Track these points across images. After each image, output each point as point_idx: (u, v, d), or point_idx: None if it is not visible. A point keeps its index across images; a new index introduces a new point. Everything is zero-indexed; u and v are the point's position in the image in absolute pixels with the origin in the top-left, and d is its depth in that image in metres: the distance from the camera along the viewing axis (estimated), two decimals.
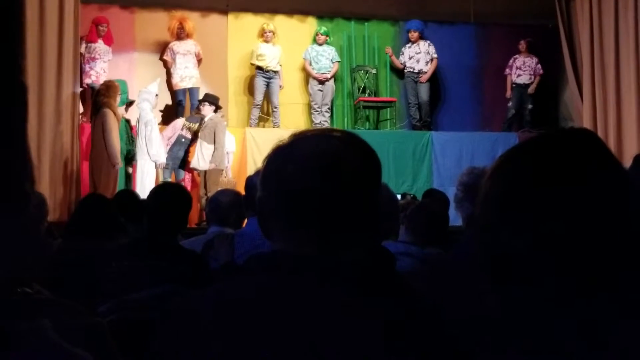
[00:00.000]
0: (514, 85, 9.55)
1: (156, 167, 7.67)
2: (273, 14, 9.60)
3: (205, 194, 7.48)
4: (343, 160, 1.12)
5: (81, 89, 8.14)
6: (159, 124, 8.15)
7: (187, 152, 8.17)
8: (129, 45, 9.21)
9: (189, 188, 7.63)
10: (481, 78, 10.23)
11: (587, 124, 8.66)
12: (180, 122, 8.31)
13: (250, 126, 8.95)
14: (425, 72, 9.47)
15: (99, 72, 8.43)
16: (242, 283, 1.10)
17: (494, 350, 1.00)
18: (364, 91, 9.59)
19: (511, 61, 9.63)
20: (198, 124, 8.07)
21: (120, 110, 7.73)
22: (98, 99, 7.38)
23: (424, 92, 9.44)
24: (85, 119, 8.17)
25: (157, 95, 8.01)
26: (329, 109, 9.35)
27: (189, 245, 3.32)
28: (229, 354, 1.02)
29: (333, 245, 1.10)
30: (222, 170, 7.95)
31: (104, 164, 7.23)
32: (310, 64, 9.31)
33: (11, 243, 0.68)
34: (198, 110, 8.21)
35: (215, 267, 2.88)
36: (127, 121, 8.06)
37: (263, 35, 9.14)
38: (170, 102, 9.12)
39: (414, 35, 9.55)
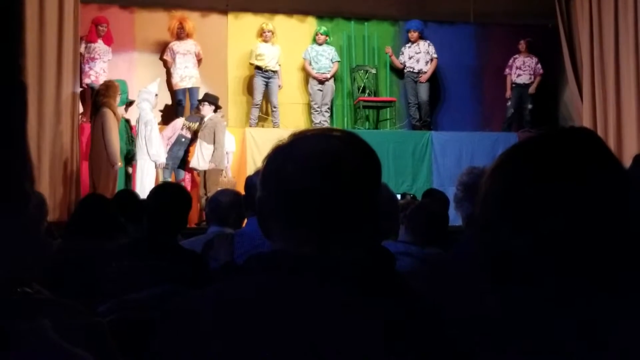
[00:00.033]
0: (513, 85, 9.55)
1: (156, 167, 7.67)
2: (273, 13, 9.60)
3: (205, 194, 7.48)
4: (343, 160, 1.12)
5: (81, 89, 8.14)
6: (158, 124, 8.15)
7: (187, 152, 8.17)
8: (128, 45, 9.21)
9: (188, 188, 7.63)
10: (481, 78, 10.23)
11: (587, 123, 8.66)
12: (179, 121, 8.30)
13: (250, 126, 8.95)
14: (425, 72, 9.47)
15: (99, 72, 8.43)
16: (242, 283, 1.10)
17: (494, 350, 1.00)
18: (363, 91, 9.59)
19: (511, 61, 9.63)
20: (198, 123, 8.06)
21: (120, 110, 7.73)
22: (98, 99, 7.37)
23: (423, 92, 9.44)
24: (85, 119, 8.17)
25: (156, 95, 8.00)
26: (328, 108, 9.35)
27: (188, 245, 3.32)
28: (229, 354, 1.02)
29: (333, 245, 1.10)
30: (222, 170, 7.95)
31: (103, 164, 7.23)
32: (310, 64, 9.31)
33: (11, 243, 0.68)
34: (198, 109, 8.21)
35: (215, 267, 2.88)
36: (127, 121, 8.06)
37: (262, 35, 9.14)
38: (170, 102, 9.12)
39: (413, 35, 9.55)
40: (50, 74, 7.34)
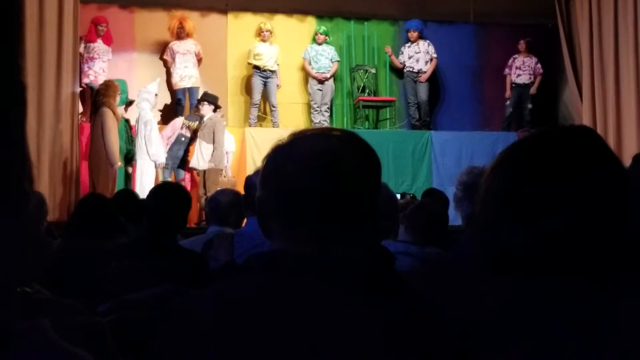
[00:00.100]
0: (513, 85, 9.55)
1: (156, 166, 7.67)
2: (272, 13, 9.60)
3: (205, 194, 7.48)
4: (343, 159, 1.12)
5: (80, 89, 8.14)
6: (158, 124, 8.15)
7: (186, 152, 8.16)
8: (128, 44, 9.21)
9: (188, 188, 7.63)
10: (481, 78, 10.23)
11: (586, 123, 8.64)
12: (179, 121, 8.30)
13: (250, 126, 8.95)
14: (425, 72, 9.47)
15: (98, 72, 8.43)
16: (242, 283, 1.10)
17: (494, 350, 1.00)
18: (363, 91, 9.59)
19: (510, 61, 9.63)
20: (197, 122, 8.06)
21: (120, 109, 7.73)
22: (97, 99, 7.37)
23: (423, 91, 9.44)
24: (84, 119, 8.17)
25: (156, 95, 8.00)
26: (328, 108, 9.35)
27: (188, 245, 3.32)
28: (229, 354, 1.02)
29: (333, 245, 1.10)
30: (221, 169, 7.94)
31: (103, 164, 7.23)
32: (310, 64, 9.31)
33: (11, 243, 0.68)
34: (197, 109, 8.21)
35: (215, 266, 2.88)
36: (127, 121, 8.06)
37: (260, 34, 9.14)
38: (169, 102, 9.12)
39: (413, 34, 9.55)
40: (49, 74, 7.34)
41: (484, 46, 10.25)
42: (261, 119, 9.29)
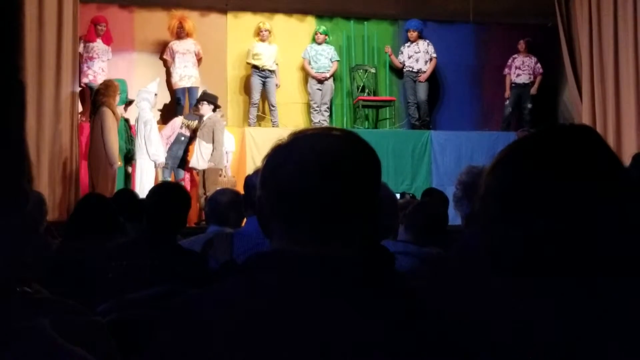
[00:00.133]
0: (513, 85, 9.55)
1: (155, 166, 7.67)
2: (272, 13, 9.60)
3: (204, 194, 7.48)
4: (343, 159, 1.11)
5: (79, 89, 8.13)
6: (158, 123, 8.15)
7: (186, 152, 8.16)
8: (128, 44, 9.21)
9: (188, 187, 7.63)
10: (480, 77, 10.24)
11: (586, 123, 8.64)
12: (178, 120, 8.30)
13: (249, 125, 8.95)
14: (425, 72, 9.47)
15: (97, 72, 8.43)
16: (242, 282, 1.10)
17: (494, 350, 1.00)
18: (363, 90, 9.59)
19: (510, 61, 9.63)
20: (197, 121, 8.05)
21: (120, 109, 7.73)
22: (97, 98, 7.37)
23: (422, 91, 9.44)
24: (84, 119, 8.17)
25: (156, 94, 8.00)
26: (328, 108, 9.35)
27: (188, 244, 3.31)
28: (229, 354, 1.01)
29: (333, 245, 1.10)
30: (221, 169, 7.94)
31: (102, 164, 7.23)
32: (310, 63, 9.31)
33: (10, 242, 0.68)
34: (197, 108, 8.21)
35: (215, 266, 2.88)
36: (127, 120, 8.06)
37: (259, 34, 9.14)
38: (169, 101, 9.12)
39: (413, 34, 9.55)
40: (49, 74, 7.34)
41: (484, 46, 10.25)
42: (260, 119, 9.29)
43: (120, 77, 8.30)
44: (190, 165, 7.96)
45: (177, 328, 1.08)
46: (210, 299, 1.10)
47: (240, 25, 9.58)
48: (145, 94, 7.80)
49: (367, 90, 9.60)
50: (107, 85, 7.49)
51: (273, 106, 9.11)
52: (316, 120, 9.17)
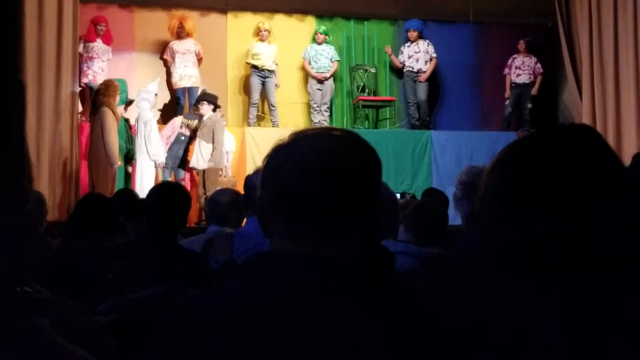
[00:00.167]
0: (513, 85, 9.55)
1: (155, 166, 7.67)
2: (272, 13, 9.60)
3: (204, 194, 7.48)
4: (343, 159, 1.11)
5: (79, 89, 8.13)
6: (158, 123, 8.15)
7: (186, 151, 8.16)
8: (128, 44, 9.21)
9: (188, 187, 7.63)
10: (480, 77, 10.24)
11: (586, 122, 8.65)
12: (178, 120, 8.30)
13: (249, 125, 8.95)
14: (425, 72, 9.47)
15: (97, 72, 8.43)
16: (242, 282, 1.10)
17: (495, 350, 1.00)
18: (363, 90, 9.59)
19: (510, 61, 9.63)
20: (197, 121, 8.05)
21: (120, 109, 7.73)
22: (97, 98, 7.37)
23: (422, 91, 9.44)
24: (84, 118, 8.17)
25: (156, 94, 8.00)
26: (328, 108, 9.35)
27: (188, 244, 3.31)
28: (230, 354, 1.01)
29: (333, 244, 1.10)
30: (221, 169, 7.94)
31: (102, 163, 7.23)
32: (310, 63, 9.31)
33: (10, 242, 0.68)
34: (196, 108, 8.21)
35: (215, 266, 2.88)
36: (127, 120, 8.06)
37: (258, 34, 9.15)
38: (169, 101, 9.12)
39: (413, 34, 9.55)
40: (49, 74, 7.34)
41: (484, 46, 10.25)
42: (260, 119, 9.29)
43: (120, 77, 8.30)
44: (191, 165, 7.96)
45: (177, 328, 1.08)
46: (210, 299, 1.10)
47: (240, 25, 9.58)
48: (146, 93, 7.80)
49: (367, 90, 9.60)
50: (107, 85, 7.49)
51: (273, 106, 9.11)
52: (316, 120, 9.17)
